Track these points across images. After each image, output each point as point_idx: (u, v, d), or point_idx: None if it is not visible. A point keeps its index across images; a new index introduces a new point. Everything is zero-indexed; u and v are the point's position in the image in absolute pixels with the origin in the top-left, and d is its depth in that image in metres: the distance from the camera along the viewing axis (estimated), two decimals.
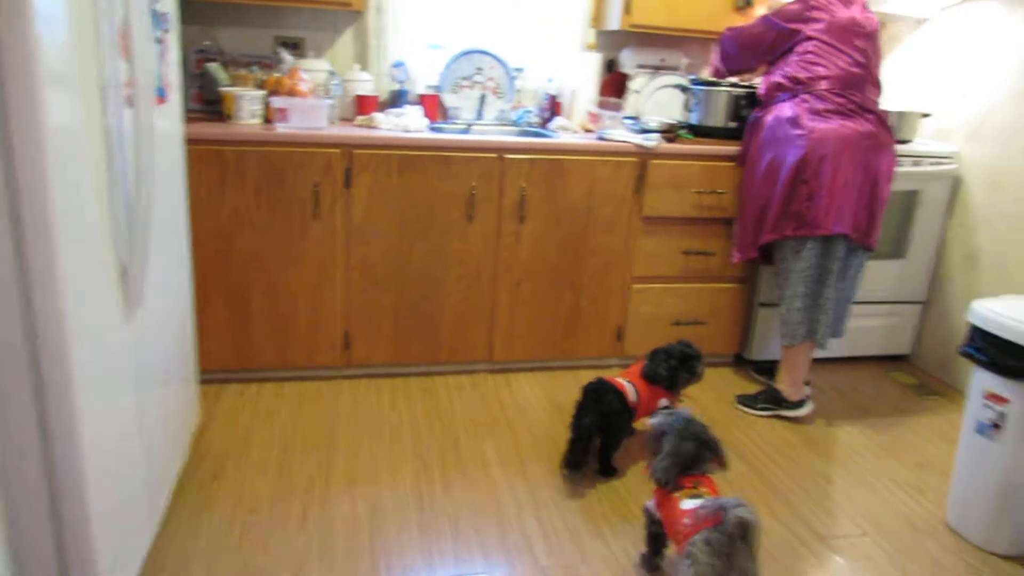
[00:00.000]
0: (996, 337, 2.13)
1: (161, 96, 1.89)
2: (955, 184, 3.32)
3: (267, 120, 2.84)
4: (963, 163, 3.29)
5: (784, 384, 2.96)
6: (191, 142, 2.58)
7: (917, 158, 3.21)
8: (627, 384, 2.51)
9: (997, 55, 3.12)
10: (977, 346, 2.20)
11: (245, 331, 2.87)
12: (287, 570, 1.97)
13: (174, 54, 2.07)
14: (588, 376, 3.18)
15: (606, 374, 2.58)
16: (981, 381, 2.22)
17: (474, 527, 2.20)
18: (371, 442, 2.62)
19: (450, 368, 3.19)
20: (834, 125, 2.66)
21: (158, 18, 1.83)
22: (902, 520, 2.37)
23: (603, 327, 3.22)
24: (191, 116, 2.89)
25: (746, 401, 3.03)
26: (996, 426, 2.17)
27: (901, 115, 3.24)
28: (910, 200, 3.28)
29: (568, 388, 3.12)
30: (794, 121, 2.73)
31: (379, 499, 2.30)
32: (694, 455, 1.93)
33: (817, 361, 3.50)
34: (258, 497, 2.27)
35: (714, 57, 3.02)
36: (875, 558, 2.18)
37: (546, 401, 2.99)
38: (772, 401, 2.97)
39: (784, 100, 2.79)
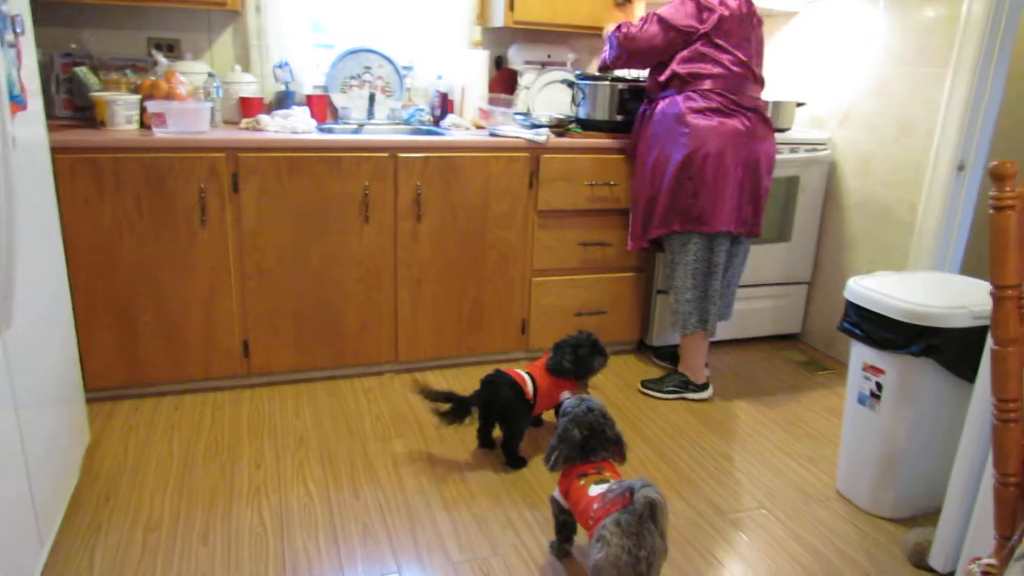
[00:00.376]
0: (870, 312, 2.25)
1: (19, 103, 1.79)
2: (831, 169, 3.51)
3: (144, 125, 2.74)
4: (836, 149, 3.47)
5: (686, 370, 3.06)
6: (62, 151, 2.46)
7: (794, 145, 3.37)
8: (525, 375, 2.54)
9: (861, 46, 3.30)
10: (853, 321, 2.33)
11: (136, 345, 2.76)
12: None
13: (31, 59, 1.96)
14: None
15: (514, 366, 2.61)
16: (859, 354, 2.34)
17: (384, 528, 2.18)
18: (276, 450, 2.56)
19: (356, 371, 3.15)
20: (714, 123, 2.74)
21: (7, 21, 1.73)
22: (796, 491, 2.49)
23: (507, 321, 3.25)
24: (61, 124, 2.76)
25: (652, 385, 3.11)
26: (875, 396, 2.30)
27: (778, 105, 3.39)
28: (791, 186, 3.43)
29: (476, 383, 3.10)
30: (679, 118, 2.79)
31: (286, 507, 2.25)
32: (581, 443, 1.98)
33: (712, 344, 3.64)
34: (157, 514, 2.19)
35: (604, 55, 3.04)
36: (772, 529, 2.27)
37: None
38: (679, 385, 3.06)
39: (670, 95, 2.85)
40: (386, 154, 2.83)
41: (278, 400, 2.92)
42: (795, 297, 3.68)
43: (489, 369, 3.23)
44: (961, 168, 2.87)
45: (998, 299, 1.31)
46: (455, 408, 2.46)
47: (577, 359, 2.58)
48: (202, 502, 2.26)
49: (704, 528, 2.26)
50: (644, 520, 1.69)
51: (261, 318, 2.88)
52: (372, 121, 3.31)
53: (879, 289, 2.25)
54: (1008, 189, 1.29)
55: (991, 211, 1.30)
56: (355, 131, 3.16)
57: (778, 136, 3.34)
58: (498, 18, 3.27)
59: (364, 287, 2.98)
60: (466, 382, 3.15)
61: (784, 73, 3.73)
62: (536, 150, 3.02)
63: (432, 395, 2.45)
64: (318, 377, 3.11)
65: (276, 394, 2.96)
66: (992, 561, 1.32)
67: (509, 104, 3.28)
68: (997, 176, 1.29)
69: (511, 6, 3.20)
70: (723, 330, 3.58)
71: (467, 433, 2.71)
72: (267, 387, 3.02)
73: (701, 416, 2.96)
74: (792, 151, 3.36)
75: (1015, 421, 1.32)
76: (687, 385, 3.06)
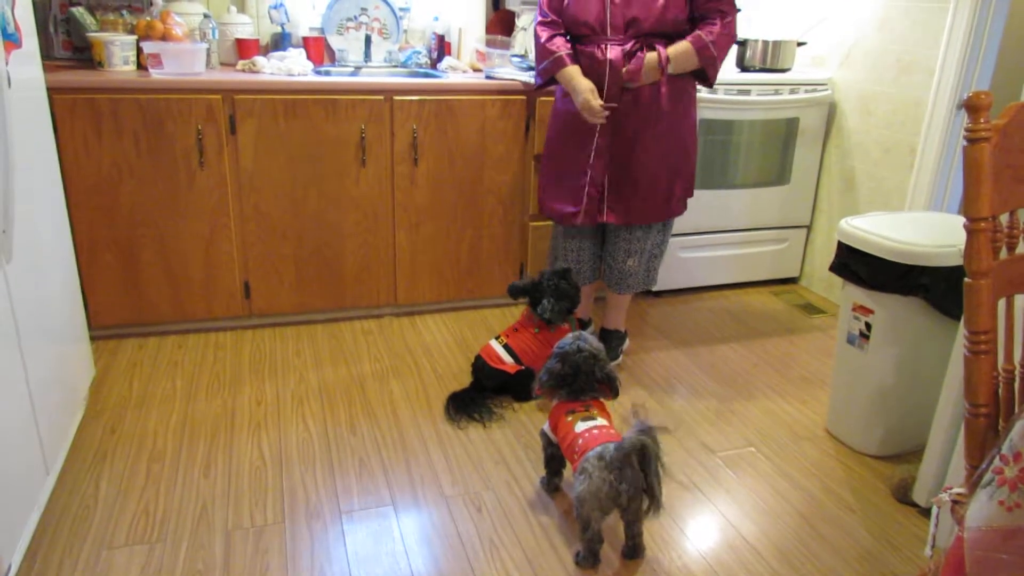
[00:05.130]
0: (860, 252, 2.26)
1: (13, 41, 1.80)
2: (831, 110, 3.47)
3: (141, 66, 2.74)
4: (837, 89, 3.43)
5: (621, 324, 2.96)
6: (60, 91, 2.48)
7: (794, 86, 3.33)
8: (501, 351, 2.62)
9: None
10: (844, 261, 2.34)
11: (139, 285, 2.81)
12: (191, 512, 2.00)
13: None
14: (494, 315, 3.24)
15: (498, 331, 2.73)
16: (850, 294, 2.36)
17: (380, 463, 2.25)
18: (277, 388, 2.63)
19: (356, 313, 3.20)
20: None
21: None
22: (787, 430, 2.53)
23: (505, 265, 3.27)
24: (60, 64, 2.77)
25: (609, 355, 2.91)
26: (864, 336, 2.33)
27: (778, 44, 3.35)
28: (791, 127, 3.41)
29: (474, 327, 3.17)
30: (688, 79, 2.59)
31: (285, 442, 2.32)
32: (566, 378, 2.03)
33: (712, 288, 3.66)
34: (160, 446, 2.27)
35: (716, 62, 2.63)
36: (760, 467, 2.33)
37: (452, 340, 3.05)
38: (621, 340, 2.99)
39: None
40: (382, 97, 2.83)
41: (279, 340, 2.98)
42: (794, 240, 3.68)
43: (489, 313, 3.30)
44: (960, 107, 2.84)
45: (971, 232, 1.32)
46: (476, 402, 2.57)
47: (536, 284, 2.65)
48: (204, 436, 2.33)
49: (693, 466, 2.31)
50: (629, 457, 1.74)
51: (261, 259, 2.92)
52: (369, 64, 3.29)
53: (870, 229, 2.26)
54: (983, 121, 1.29)
55: (965, 143, 1.31)
56: (352, 74, 3.15)
57: (779, 76, 3.32)
58: None
59: (362, 230, 3.00)
60: (465, 325, 3.19)
61: (785, 11, 3.67)
62: (532, 93, 3.00)
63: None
64: (319, 319, 3.16)
65: (277, 335, 3.02)
66: (961, 490, 1.35)
67: (506, 46, 3.25)
68: (971, 107, 1.29)
69: None
70: (721, 274, 3.61)
71: (465, 375, 2.76)
72: (268, 328, 3.07)
73: (696, 359, 3.00)
74: (792, 92, 3.32)
75: (986, 353, 1.34)
76: (624, 337, 3.00)
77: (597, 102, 2.44)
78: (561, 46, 2.51)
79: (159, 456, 2.22)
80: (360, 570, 1.84)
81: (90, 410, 2.43)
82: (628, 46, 2.44)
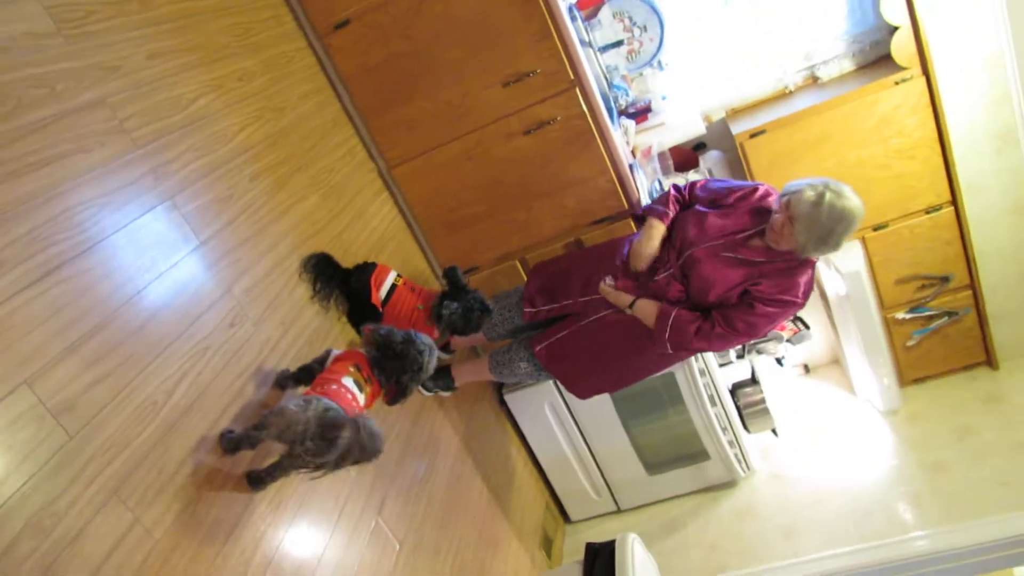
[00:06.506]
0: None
1: None
2: (730, 484, 3.55)
3: None
4: (752, 478, 3.56)
5: (464, 379, 3.07)
6: None
7: (734, 440, 3.45)
8: (387, 285, 2.64)
9: None
10: (598, 551, 2.41)
11: None
12: None
13: None
14: (423, 271, 3.26)
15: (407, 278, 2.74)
16: None
17: (230, 215, 2.24)
18: (260, 73, 2.62)
19: (365, 137, 3.15)
20: None
21: None
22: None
23: (476, 255, 3.30)
24: None
25: (429, 383, 3.04)
26: None
27: (766, 411, 3.47)
28: (702, 456, 3.48)
29: (403, 256, 3.18)
30: None
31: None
32: (390, 349, 2.10)
33: (529, 447, 3.68)
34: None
35: None
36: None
37: (379, 238, 3.03)
38: (449, 387, 3.05)
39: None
40: (571, 75, 2.87)
41: (299, 63, 2.93)
42: (607, 502, 3.69)
43: (423, 268, 3.26)
44: None
45: None
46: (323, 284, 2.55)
47: (463, 289, 2.67)
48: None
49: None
50: (341, 430, 1.74)
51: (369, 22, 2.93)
52: (597, 51, 3.28)
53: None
54: None
55: None
56: (582, 42, 3.15)
57: (733, 415, 3.42)
58: (738, 128, 3.28)
59: (444, 105, 3.01)
60: (400, 245, 3.20)
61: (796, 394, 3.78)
62: (630, 210, 3.07)
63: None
64: (344, 104, 3.10)
65: (301, 60, 2.97)
66: None
67: (666, 171, 3.31)
68: None
69: (754, 134, 3.21)
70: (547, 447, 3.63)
71: (353, 260, 2.74)
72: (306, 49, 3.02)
73: (457, 460, 3.02)
74: (729, 443, 3.42)
75: None
76: (451, 389, 3.07)
77: (643, 266, 2.63)
78: (671, 210, 2.70)
79: None
80: (121, 246, 1.84)
81: None
82: (664, 274, 2.61)
